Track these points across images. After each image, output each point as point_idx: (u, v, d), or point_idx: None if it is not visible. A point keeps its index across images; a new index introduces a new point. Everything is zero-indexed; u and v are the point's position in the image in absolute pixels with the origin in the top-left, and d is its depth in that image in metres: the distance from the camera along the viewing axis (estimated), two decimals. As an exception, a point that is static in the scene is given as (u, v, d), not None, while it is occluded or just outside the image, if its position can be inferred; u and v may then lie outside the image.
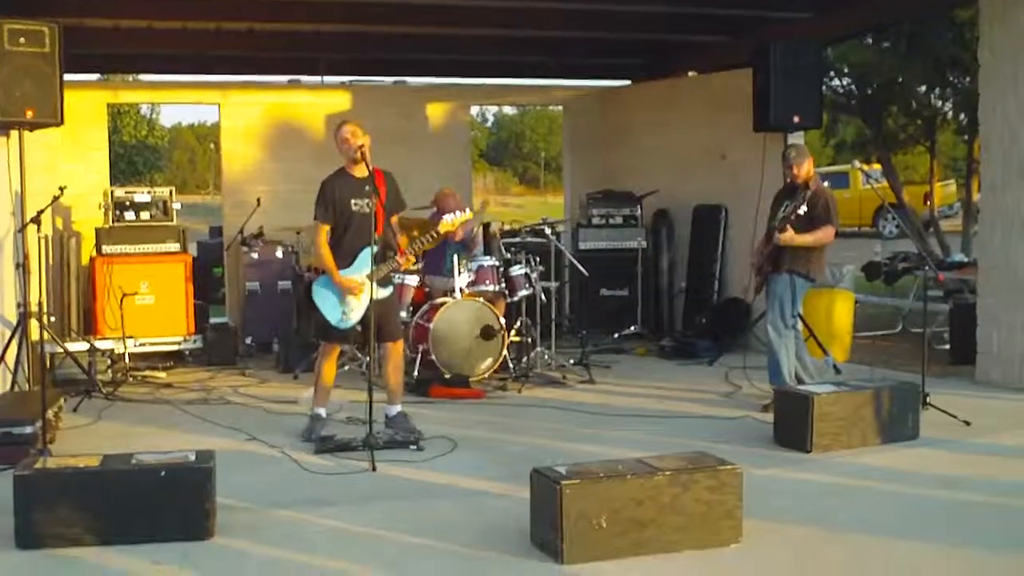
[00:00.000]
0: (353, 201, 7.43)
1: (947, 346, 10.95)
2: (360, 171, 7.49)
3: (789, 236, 8.17)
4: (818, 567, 5.24)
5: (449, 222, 7.72)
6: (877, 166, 18.16)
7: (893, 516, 5.94)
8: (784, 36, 10.98)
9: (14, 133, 8.77)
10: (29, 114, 8.59)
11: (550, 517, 5.15)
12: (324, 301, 7.51)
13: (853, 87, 16.43)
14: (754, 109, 10.65)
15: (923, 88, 16.14)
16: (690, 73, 13.74)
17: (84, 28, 10.52)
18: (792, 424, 7.32)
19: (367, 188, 7.36)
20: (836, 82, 16.12)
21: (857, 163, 11.74)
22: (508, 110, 58.27)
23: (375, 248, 7.22)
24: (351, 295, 7.43)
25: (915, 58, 14.81)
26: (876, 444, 7.28)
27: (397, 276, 9.35)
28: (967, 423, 7.83)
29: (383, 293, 7.51)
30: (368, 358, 8.21)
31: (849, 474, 6.74)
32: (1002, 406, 8.68)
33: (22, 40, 8.52)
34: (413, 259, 7.72)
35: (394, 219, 7.63)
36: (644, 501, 5.21)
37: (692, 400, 9.01)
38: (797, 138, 10.56)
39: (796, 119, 10.38)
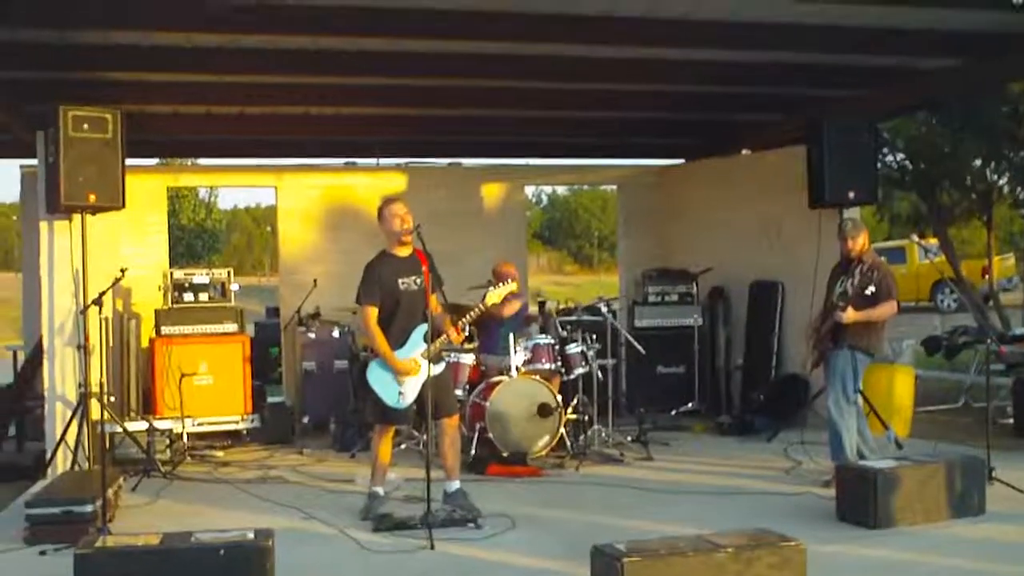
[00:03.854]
0: (400, 280, 7.49)
1: (1011, 420, 10.80)
2: (404, 251, 7.58)
3: (852, 315, 8.10)
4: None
5: (494, 293, 7.77)
6: (933, 240, 18.02)
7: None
8: (836, 112, 10.97)
9: (76, 216, 8.93)
10: (92, 198, 8.74)
11: (611, 594, 5.10)
12: (380, 383, 7.54)
13: (907, 162, 16.35)
14: (809, 185, 10.60)
15: (978, 162, 16.04)
16: (743, 151, 13.77)
17: (145, 114, 10.71)
18: (855, 499, 7.20)
19: (412, 266, 7.47)
20: (889, 157, 16.04)
21: (915, 237, 11.60)
22: (561, 189, 58.63)
23: (427, 326, 7.27)
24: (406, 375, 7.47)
25: (969, 132, 14.74)
26: (942, 519, 7.15)
27: (452, 354, 9.41)
28: (1035, 498, 7.68)
29: (437, 370, 7.54)
30: (425, 436, 8.21)
31: (915, 550, 6.61)
32: (1071, 481, 8.50)
33: (85, 127, 8.71)
34: (463, 334, 7.73)
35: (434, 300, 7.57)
36: (706, 578, 5.16)
37: (752, 476, 8.92)
38: (852, 213, 10.52)
39: (851, 195, 10.33)
